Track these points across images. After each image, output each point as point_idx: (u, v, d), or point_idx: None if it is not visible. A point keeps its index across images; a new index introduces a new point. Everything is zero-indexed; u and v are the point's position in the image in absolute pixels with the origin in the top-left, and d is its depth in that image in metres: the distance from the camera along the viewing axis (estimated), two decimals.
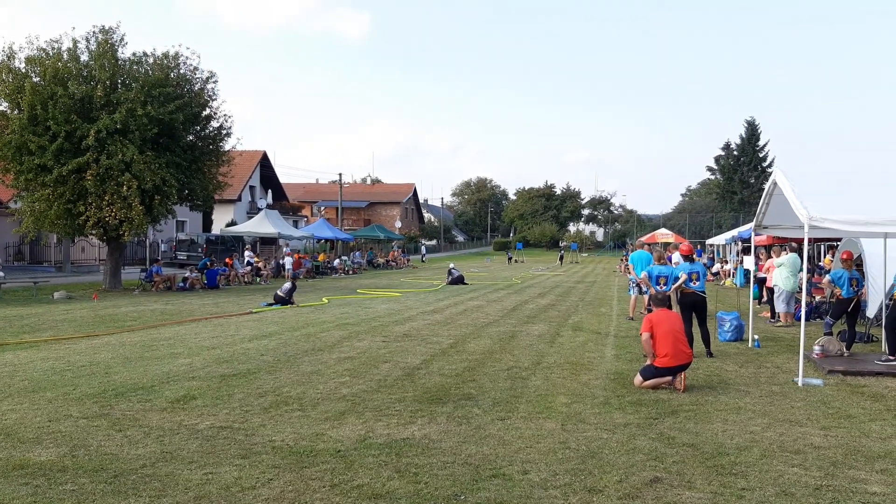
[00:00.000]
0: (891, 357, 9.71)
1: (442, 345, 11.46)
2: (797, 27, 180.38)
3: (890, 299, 10.30)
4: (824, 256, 24.23)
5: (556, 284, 28.84)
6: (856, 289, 11.04)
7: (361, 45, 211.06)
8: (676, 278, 10.82)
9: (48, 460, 5.38)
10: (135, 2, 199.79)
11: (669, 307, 8.86)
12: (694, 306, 10.56)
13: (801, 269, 16.26)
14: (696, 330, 10.45)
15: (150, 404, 7.20)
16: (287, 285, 19.34)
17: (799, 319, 10.84)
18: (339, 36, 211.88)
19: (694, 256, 11.50)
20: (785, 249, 15.57)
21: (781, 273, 14.91)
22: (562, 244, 75.44)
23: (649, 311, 9.63)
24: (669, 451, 5.71)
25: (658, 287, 11.06)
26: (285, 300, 18.57)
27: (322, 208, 66.97)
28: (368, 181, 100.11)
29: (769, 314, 15.82)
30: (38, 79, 21.29)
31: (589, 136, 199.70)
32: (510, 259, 60.32)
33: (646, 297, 14.24)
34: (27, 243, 32.52)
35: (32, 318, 15.47)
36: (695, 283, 10.60)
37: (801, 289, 15.35)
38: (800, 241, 16.77)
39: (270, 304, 18.40)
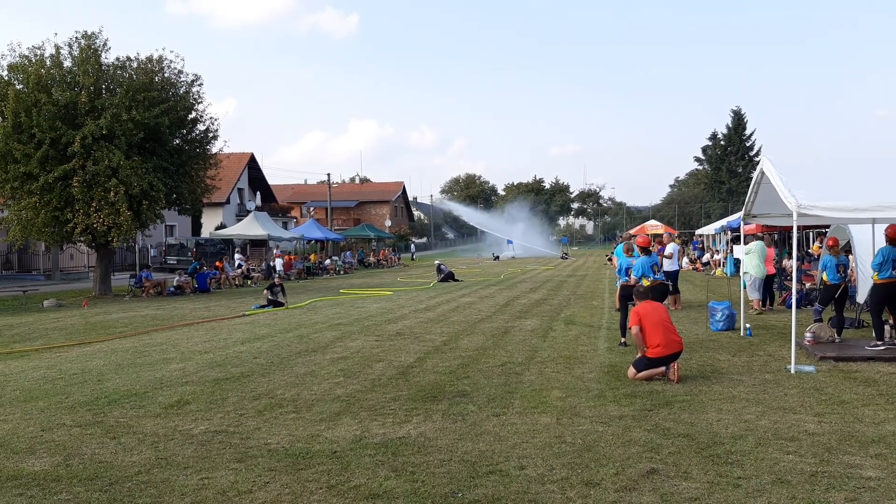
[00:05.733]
0: (878, 342, 9.77)
1: (435, 342, 11.45)
2: (781, 11, 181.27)
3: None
4: (813, 243, 24.36)
5: (548, 279, 28.87)
6: (842, 275, 11.10)
7: (347, 44, 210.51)
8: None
9: (42, 470, 5.34)
10: (117, 3, 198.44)
11: (650, 298, 8.88)
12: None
13: (788, 255, 16.51)
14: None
15: (144, 410, 7.16)
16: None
17: (789, 307, 10.90)
18: (325, 34, 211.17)
19: (650, 249, 11.49)
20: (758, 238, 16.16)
21: (752, 261, 15.23)
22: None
23: (632, 304, 9.61)
24: (665, 443, 5.73)
25: (626, 278, 11.09)
26: (276, 301, 18.55)
27: (311, 209, 66.79)
28: (357, 181, 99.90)
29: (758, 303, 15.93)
30: (21, 86, 21.15)
31: (576, 130, 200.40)
32: (496, 257, 53.55)
33: None
34: (15, 252, 32.30)
35: (22, 326, 15.36)
36: (656, 275, 10.85)
37: (790, 276, 15.48)
38: (774, 231, 17.11)
39: (263, 307, 18.35)
